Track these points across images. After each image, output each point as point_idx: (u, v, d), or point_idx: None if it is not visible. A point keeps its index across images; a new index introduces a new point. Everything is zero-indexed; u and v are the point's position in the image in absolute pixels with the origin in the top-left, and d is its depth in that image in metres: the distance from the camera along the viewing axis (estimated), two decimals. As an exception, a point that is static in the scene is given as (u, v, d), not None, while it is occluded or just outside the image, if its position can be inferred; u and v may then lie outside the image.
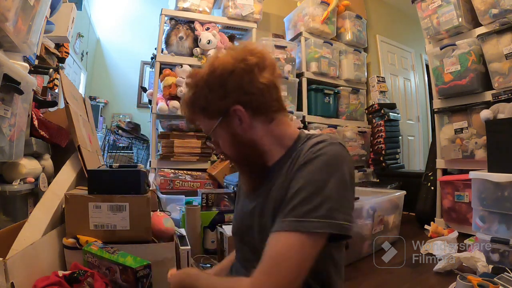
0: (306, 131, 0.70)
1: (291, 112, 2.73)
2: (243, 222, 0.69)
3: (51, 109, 1.67)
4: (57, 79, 1.74)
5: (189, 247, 1.11)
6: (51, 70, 1.62)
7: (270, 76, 0.62)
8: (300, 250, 0.51)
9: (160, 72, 2.49)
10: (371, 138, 3.23)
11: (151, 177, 2.21)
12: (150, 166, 2.42)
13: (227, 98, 0.61)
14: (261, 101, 0.62)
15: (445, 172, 2.33)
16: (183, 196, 1.95)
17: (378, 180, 3.16)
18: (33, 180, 1.18)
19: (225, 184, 2.25)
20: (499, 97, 1.92)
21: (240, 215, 0.72)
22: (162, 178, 2.24)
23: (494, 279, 1.21)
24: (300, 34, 3.06)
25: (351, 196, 0.57)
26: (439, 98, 2.34)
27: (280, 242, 0.52)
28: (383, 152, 3.06)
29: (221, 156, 0.73)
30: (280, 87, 0.66)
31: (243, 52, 0.62)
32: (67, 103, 1.29)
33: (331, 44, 3.11)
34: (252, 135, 0.63)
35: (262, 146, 0.64)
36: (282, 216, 0.54)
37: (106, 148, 3.08)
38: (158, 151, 2.47)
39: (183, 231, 1.30)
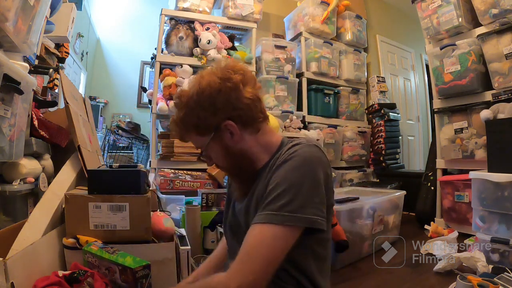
0: (287, 138, 0.76)
1: (291, 112, 2.73)
2: (234, 220, 0.76)
3: (51, 109, 1.67)
4: (57, 79, 1.74)
5: (189, 247, 1.11)
6: (51, 70, 1.62)
7: (252, 90, 0.68)
8: (271, 241, 0.56)
9: (160, 72, 2.49)
10: (371, 138, 3.23)
11: (151, 177, 2.21)
12: (150, 166, 2.42)
13: (218, 114, 0.66)
14: (248, 115, 0.68)
15: (445, 172, 2.33)
16: (183, 196, 1.95)
17: (378, 180, 3.16)
18: (33, 180, 1.18)
19: (225, 184, 2.25)
20: (499, 97, 1.92)
21: (232, 214, 0.79)
22: (162, 178, 2.24)
23: (494, 279, 1.21)
24: (300, 34, 3.06)
25: (323, 193, 0.62)
26: (439, 98, 2.34)
27: (254, 232, 0.58)
28: (383, 152, 3.06)
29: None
30: (262, 99, 0.72)
31: (227, 71, 0.67)
32: (67, 103, 1.29)
33: (331, 44, 3.11)
34: (242, 145, 0.69)
35: (252, 155, 0.70)
36: (260, 210, 0.60)
37: (106, 148, 3.08)
38: (158, 151, 2.47)
39: (183, 231, 1.30)
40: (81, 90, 3.70)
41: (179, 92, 0.70)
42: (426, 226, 2.16)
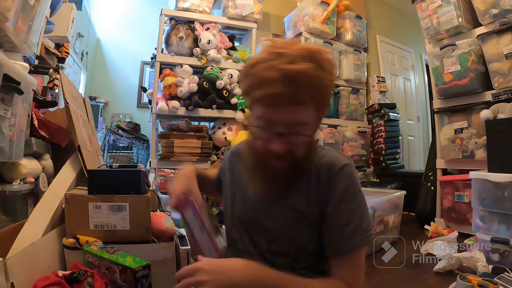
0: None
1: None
2: (247, 216, 0.70)
3: (51, 109, 1.67)
4: (57, 79, 1.74)
5: (189, 247, 1.11)
6: (51, 70, 1.62)
7: None
8: (364, 259, 0.63)
9: (160, 72, 2.49)
10: (371, 138, 3.23)
11: (151, 177, 2.21)
12: (150, 166, 2.42)
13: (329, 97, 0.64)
14: None
15: (445, 172, 2.33)
16: (183, 196, 1.95)
17: (378, 180, 3.16)
18: (33, 180, 1.18)
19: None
20: (499, 97, 1.92)
21: (243, 209, 0.71)
22: (162, 178, 2.24)
23: (494, 279, 1.21)
24: (300, 34, 3.06)
25: None
26: (439, 98, 2.34)
27: (357, 257, 0.62)
28: (383, 152, 3.06)
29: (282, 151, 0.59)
30: None
31: None
32: (67, 103, 1.29)
33: (331, 44, 3.11)
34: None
35: None
36: (347, 237, 0.60)
37: (106, 148, 3.08)
38: (158, 151, 2.47)
39: (183, 231, 1.30)
40: (81, 90, 3.70)
41: (321, 50, 0.59)
42: (426, 226, 2.16)
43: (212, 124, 2.74)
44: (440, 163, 2.33)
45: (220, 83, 2.48)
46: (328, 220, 0.62)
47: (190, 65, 2.49)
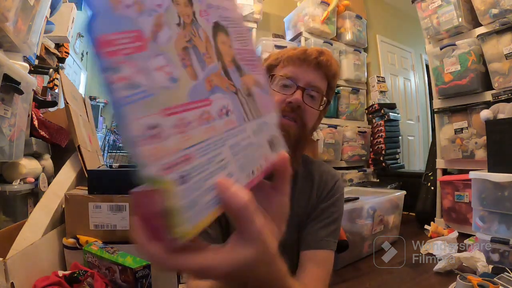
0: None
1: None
2: None
3: (51, 109, 1.67)
4: (57, 79, 1.74)
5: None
6: (51, 70, 1.62)
7: None
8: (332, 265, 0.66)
9: (160, 72, 2.49)
10: (371, 138, 3.23)
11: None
12: (150, 166, 2.42)
13: (332, 92, 0.72)
14: None
15: (445, 172, 2.33)
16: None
17: (378, 180, 3.16)
18: (33, 180, 1.18)
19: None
20: (499, 97, 1.92)
21: None
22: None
23: (494, 279, 1.21)
24: (300, 34, 3.06)
25: None
26: (439, 98, 2.34)
27: (330, 259, 0.65)
28: (383, 152, 3.06)
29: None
30: None
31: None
32: (67, 103, 1.29)
33: (331, 44, 3.11)
34: (313, 130, 0.70)
35: (305, 145, 0.68)
36: (326, 234, 0.65)
37: (106, 148, 3.08)
38: (158, 151, 2.47)
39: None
40: (81, 90, 3.70)
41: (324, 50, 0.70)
42: (426, 226, 2.16)
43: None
44: (440, 163, 2.33)
45: (220, 83, 2.48)
46: (317, 215, 0.68)
47: (190, 65, 2.49)
